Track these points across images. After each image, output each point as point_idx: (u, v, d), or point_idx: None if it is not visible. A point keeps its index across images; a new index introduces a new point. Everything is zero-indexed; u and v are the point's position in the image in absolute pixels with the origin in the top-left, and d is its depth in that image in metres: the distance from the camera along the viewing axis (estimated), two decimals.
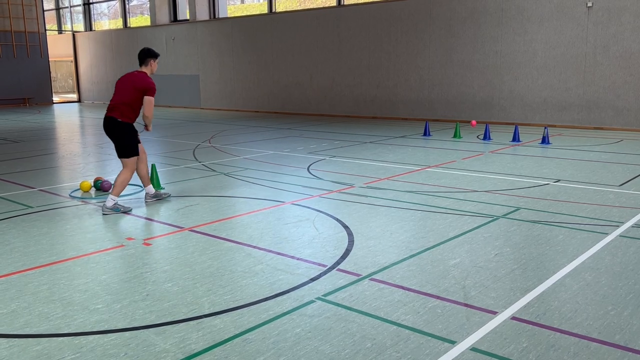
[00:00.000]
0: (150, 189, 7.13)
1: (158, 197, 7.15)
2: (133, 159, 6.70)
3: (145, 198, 7.10)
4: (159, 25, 25.69)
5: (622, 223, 5.79)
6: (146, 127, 6.87)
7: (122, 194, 7.47)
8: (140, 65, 6.82)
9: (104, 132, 6.83)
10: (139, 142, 6.87)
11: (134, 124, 6.75)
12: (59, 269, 4.69)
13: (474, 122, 13.95)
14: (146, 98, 6.60)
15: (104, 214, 6.46)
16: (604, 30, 14.16)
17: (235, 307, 3.88)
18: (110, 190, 6.90)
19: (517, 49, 15.57)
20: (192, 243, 5.35)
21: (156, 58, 6.81)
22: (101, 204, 6.79)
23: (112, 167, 9.63)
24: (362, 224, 5.88)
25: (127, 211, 6.57)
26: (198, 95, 24.41)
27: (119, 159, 6.83)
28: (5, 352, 3.31)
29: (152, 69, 6.83)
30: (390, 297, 4.01)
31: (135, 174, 6.95)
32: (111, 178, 8.49)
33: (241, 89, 22.69)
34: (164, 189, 7.76)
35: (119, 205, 6.58)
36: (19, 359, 3.24)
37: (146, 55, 6.77)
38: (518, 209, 6.44)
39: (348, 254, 4.94)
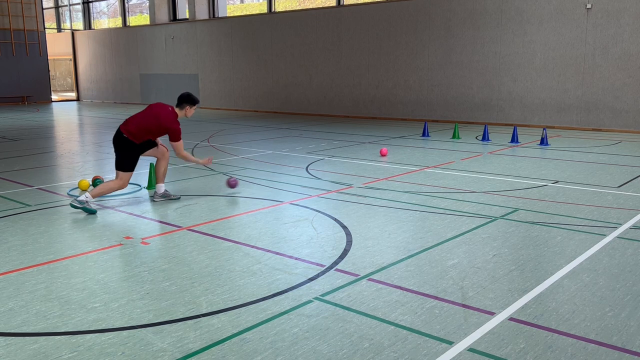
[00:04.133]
0: (161, 187, 7.02)
1: (167, 197, 7.03)
2: (127, 175, 6.59)
3: (154, 197, 7.03)
4: (158, 24, 25.66)
5: (620, 224, 5.80)
6: (204, 164, 7.00)
7: (120, 193, 7.47)
8: (177, 105, 6.73)
9: (102, 131, 6.82)
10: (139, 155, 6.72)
11: (137, 144, 6.58)
12: (56, 268, 4.68)
13: (384, 150, 10.57)
14: (172, 144, 6.58)
15: (70, 204, 6.34)
16: (603, 31, 14.18)
17: (233, 306, 3.88)
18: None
19: (516, 50, 15.58)
20: (190, 242, 5.35)
21: (194, 104, 6.70)
22: (99, 203, 6.78)
23: (111, 166, 9.62)
24: (360, 224, 5.88)
25: (91, 213, 6.33)
26: (197, 95, 24.40)
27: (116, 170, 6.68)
28: (2, 351, 3.31)
29: (186, 114, 6.73)
30: (388, 297, 4.01)
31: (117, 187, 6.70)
32: (110, 177, 8.48)
33: (240, 88, 22.68)
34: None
35: (87, 204, 6.33)
36: (16, 357, 3.23)
37: (185, 100, 6.68)
38: (516, 210, 6.44)
39: (346, 254, 4.94)
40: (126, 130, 6.52)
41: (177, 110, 6.68)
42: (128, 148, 6.56)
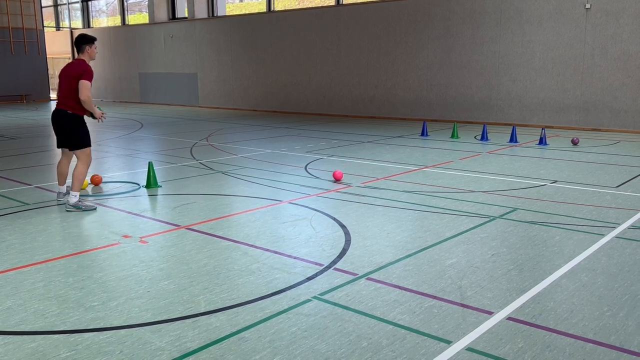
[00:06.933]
0: (64, 189, 6.86)
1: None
2: (88, 150, 6.62)
3: (58, 197, 6.86)
4: (157, 23, 25.64)
5: (619, 224, 5.80)
6: (93, 116, 6.63)
7: (119, 191, 7.47)
8: (78, 53, 6.65)
9: (100, 130, 6.81)
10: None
11: (84, 117, 6.64)
12: (54, 267, 4.68)
13: (338, 174, 8.14)
14: (81, 82, 6.36)
15: (67, 211, 6.42)
16: (602, 31, 14.19)
17: (232, 305, 3.88)
18: (70, 187, 6.69)
19: (515, 50, 15.58)
20: (188, 241, 5.34)
21: (92, 43, 6.62)
22: (97, 202, 6.78)
23: (109, 165, 9.62)
24: (359, 224, 5.88)
25: (89, 210, 6.43)
26: (196, 94, 24.38)
27: (73, 152, 6.69)
28: (0, 349, 3.30)
29: (89, 55, 6.63)
30: (386, 296, 4.01)
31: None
32: (108, 175, 8.49)
33: (239, 87, 22.67)
34: (161, 186, 7.76)
35: (81, 203, 6.47)
36: (14, 356, 3.23)
37: (80, 42, 6.59)
38: (515, 209, 6.44)
39: (345, 254, 4.94)
40: (67, 106, 6.47)
41: (81, 57, 6.62)
42: (78, 123, 6.55)
